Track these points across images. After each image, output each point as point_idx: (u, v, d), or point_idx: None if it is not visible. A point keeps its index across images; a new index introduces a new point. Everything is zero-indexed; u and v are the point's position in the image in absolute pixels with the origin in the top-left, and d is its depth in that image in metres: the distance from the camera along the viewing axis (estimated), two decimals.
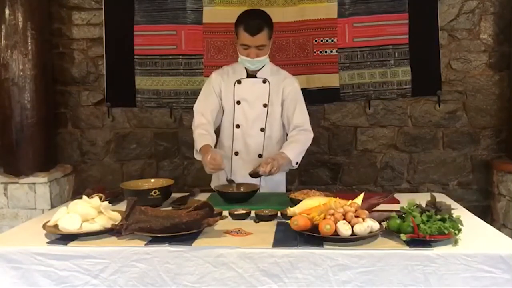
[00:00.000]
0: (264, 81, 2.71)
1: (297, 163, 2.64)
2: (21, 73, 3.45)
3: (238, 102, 2.72)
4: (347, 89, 3.68)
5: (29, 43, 3.47)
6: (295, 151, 2.62)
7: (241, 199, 2.40)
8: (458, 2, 3.64)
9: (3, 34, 3.43)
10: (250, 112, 2.72)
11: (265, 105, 2.71)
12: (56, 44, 3.83)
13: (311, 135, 2.73)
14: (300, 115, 2.72)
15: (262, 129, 2.72)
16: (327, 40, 3.65)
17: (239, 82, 2.72)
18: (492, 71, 3.67)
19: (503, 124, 3.67)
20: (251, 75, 2.72)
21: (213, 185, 2.82)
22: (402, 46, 3.61)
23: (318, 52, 3.66)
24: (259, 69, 2.71)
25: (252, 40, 2.55)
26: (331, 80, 3.66)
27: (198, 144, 2.58)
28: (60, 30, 3.84)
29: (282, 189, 2.86)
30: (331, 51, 3.65)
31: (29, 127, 3.50)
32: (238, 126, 2.74)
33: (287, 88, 2.73)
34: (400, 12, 3.60)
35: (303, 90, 3.60)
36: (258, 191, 2.47)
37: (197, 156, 2.64)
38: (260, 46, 2.58)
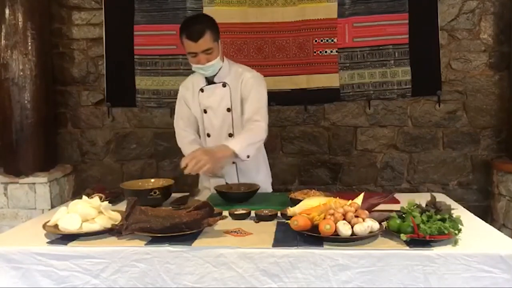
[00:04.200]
0: (224, 85, 2.63)
1: (248, 156, 2.43)
2: (21, 73, 3.45)
3: (205, 111, 2.68)
4: (347, 89, 3.68)
5: (29, 43, 3.47)
6: (242, 143, 2.41)
7: (241, 199, 2.40)
8: (458, 2, 3.65)
9: (3, 34, 3.44)
10: (216, 119, 2.66)
11: (228, 110, 2.63)
12: (56, 44, 3.83)
13: (262, 124, 2.53)
14: (251, 106, 2.57)
15: (231, 135, 2.66)
16: (327, 40, 3.65)
17: (202, 90, 2.66)
18: (492, 71, 3.67)
19: (503, 124, 3.67)
20: (211, 81, 2.65)
21: (200, 185, 2.82)
22: (402, 46, 3.62)
23: (318, 52, 3.66)
24: (216, 74, 2.62)
25: (196, 46, 2.46)
26: (331, 80, 3.67)
27: (190, 149, 2.55)
28: (60, 30, 3.84)
29: (268, 188, 2.80)
30: (331, 51, 3.66)
31: (29, 127, 3.50)
32: (208, 135, 2.70)
33: (243, 84, 2.62)
34: (400, 12, 3.60)
35: (303, 90, 3.65)
36: (258, 191, 2.47)
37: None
38: (207, 50, 2.48)
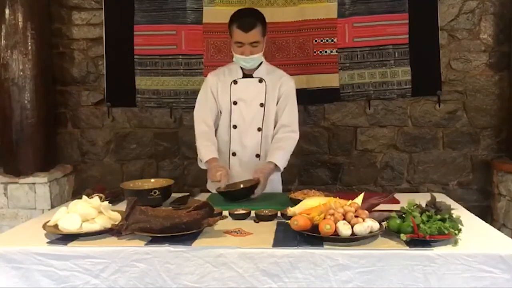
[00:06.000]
0: (260, 80, 2.72)
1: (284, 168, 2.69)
2: (21, 73, 3.45)
3: (235, 103, 2.72)
4: (347, 89, 3.68)
5: (29, 43, 3.47)
6: (283, 158, 2.65)
7: (243, 195, 2.40)
8: (458, 2, 3.64)
9: (3, 34, 3.43)
10: (247, 112, 2.72)
11: (261, 105, 2.72)
12: (56, 44, 3.83)
13: (297, 136, 2.74)
14: (289, 114, 2.72)
15: (259, 129, 2.73)
16: (327, 40, 3.65)
17: (235, 82, 2.72)
18: (492, 71, 3.67)
19: (503, 124, 3.67)
20: (247, 75, 2.73)
21: (209, 186, 2.83)
22: (402, 46, 3.61)
23: (318, 52, 3.66)
24: (255, 69, 2.72)
25: (245, 36, 2.56)
26: (331, 80, 3.66)
27: (204, 156, 2.62)
28: (60, 30, 3.84)
29: (279, 188, 2.86)
30: (331, 51, 3.65)
31: (29, 127, 3.50)
32: (235, 127, 2.73)
33: (283, 86, 2.74)
34: (400, 12, 3.60)
35: (303, 90, 3.65)
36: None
37: (202, 166, 2.69)
38: (254, 43, 2.58)
